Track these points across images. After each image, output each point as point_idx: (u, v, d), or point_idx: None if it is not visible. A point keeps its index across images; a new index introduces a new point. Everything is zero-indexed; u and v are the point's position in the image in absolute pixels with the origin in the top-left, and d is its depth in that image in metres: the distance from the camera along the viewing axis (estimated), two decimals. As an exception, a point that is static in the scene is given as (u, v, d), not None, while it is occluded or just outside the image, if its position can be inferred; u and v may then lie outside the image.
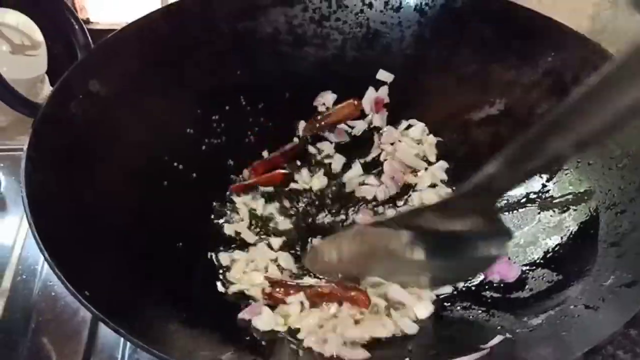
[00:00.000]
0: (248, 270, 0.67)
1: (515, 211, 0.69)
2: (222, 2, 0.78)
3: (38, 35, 0.95)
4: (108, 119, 0.67)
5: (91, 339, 0.67)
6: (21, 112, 0.63)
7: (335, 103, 0.82)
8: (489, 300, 0.61)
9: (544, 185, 0.69)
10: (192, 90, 0.77)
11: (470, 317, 0.60)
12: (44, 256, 0.47)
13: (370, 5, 0.82)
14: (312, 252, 0.68)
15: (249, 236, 0.72)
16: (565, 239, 0.62)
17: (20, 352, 0.66)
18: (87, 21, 1.24)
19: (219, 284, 0.66)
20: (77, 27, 0.68)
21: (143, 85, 0.72)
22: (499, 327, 0.55)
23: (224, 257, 0.68)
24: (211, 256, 0.68)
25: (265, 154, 0.79)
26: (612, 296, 0.49)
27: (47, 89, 1.02)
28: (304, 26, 0.82)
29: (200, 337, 0.55)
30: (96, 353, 0.66)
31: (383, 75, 0.81)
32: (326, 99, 0.82)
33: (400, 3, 0.80)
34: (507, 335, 0.53)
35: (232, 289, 0.65)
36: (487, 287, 0.63)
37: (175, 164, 0.73)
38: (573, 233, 0.61)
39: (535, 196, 0.69)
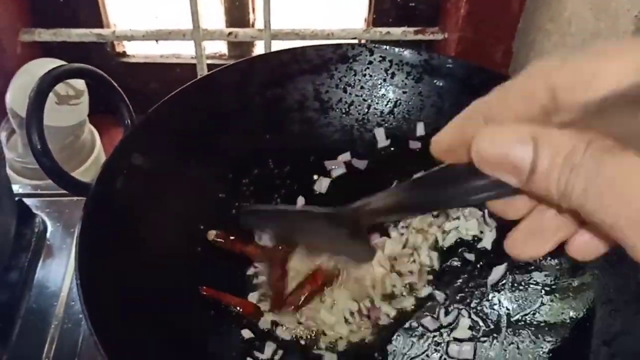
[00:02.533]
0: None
1: (520, 290, 0.74)
2: (252, 72, 0.84)
3: (81, 85, 1.01)
4: (150, 190, 0.74)
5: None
6: (73, 193, 0.69)
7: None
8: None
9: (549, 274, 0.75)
10: (226, 156, 0.83)
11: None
12: (99, 350, 0.54)
13: (393, 75, 0.87)
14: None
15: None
16: (564, 329, 0.67)
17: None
18: (124, 54, 1.31)
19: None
20: (122, 105, 0.73)
21: (180, 155, 0.78)
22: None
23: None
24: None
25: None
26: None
27: (87, 131, 1.09)
28: (329, 93, 0.88)
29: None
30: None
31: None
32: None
33: (421, 75, 0.85)
34: None
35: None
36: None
37: (209, 229, 0.79)
38: (571, 324, 0.67)
39: (540, 280, 0.74)
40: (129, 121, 0.75)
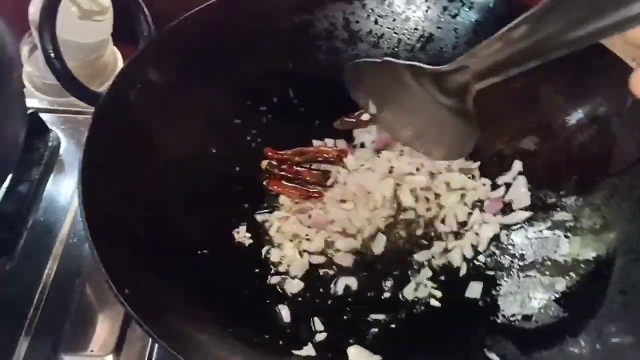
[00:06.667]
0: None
1: (540, 238, 0.70)
2: (282, -5, 0.80)
3: (106, 1, 0.98)
4: (164, 108, 0.71)
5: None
6: (84, 101, 0.67)
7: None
8: (496, 326, 0.64)
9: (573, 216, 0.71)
10: (245, 81, 0.79)
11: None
12: (93, 253, 0.52)
13: (428, 9, 0.81)
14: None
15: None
16: (579, 276, 0.64)
17: (70, 310, 0.73)
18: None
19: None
20: (142, 17, 0.70)
21: (198, 76, 0.75)
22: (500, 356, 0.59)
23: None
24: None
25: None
26: (611, 350, 0.52)
27: (110, 52, 1.06)
28: (360, 23, 0.83)
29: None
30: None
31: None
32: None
33: (459, 11, 0.80)
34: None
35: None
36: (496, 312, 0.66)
37: (221, 154, 0.76)
38: (588, 271, 0.63)
39: (560, 223, 0.71)
40: (148, 34, 0.71)
